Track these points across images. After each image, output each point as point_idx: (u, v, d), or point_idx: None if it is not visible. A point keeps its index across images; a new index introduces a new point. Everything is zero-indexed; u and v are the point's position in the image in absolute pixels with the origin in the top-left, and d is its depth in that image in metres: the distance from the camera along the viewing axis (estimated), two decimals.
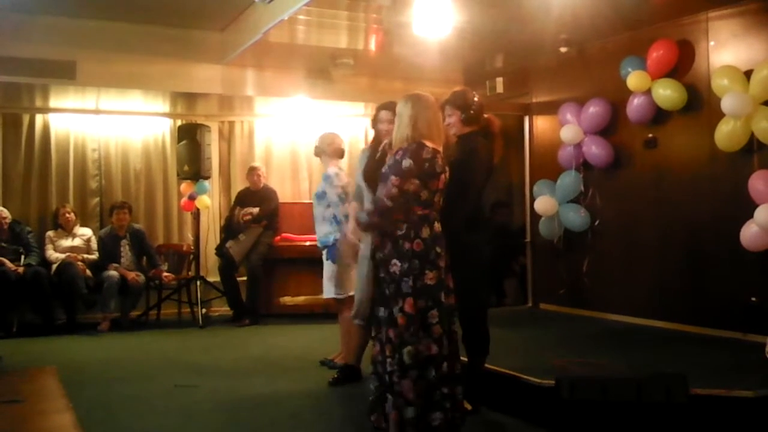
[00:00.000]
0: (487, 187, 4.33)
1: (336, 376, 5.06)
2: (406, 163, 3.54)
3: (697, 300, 5.79)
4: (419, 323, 3.54)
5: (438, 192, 3.66)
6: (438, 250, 3.62)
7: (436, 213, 3.67)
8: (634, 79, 5.96)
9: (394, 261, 3.57)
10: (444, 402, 3.55)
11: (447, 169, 3.70)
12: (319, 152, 5.53)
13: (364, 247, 4.72)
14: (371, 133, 8.61)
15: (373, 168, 4.62)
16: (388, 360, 3.57)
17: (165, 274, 7.87)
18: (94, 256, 7.69)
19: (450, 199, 3.77)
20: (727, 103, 5.13)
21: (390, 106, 4.80)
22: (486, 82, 7.71)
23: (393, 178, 3.55)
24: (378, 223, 3.69)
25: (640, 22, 6.07)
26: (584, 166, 6.76)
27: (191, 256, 8.28)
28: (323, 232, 5.31)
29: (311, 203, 5.55)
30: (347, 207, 5.18)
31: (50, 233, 7.64)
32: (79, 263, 7.44)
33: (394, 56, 6.81)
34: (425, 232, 3.59)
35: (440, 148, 3.68)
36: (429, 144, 3.61)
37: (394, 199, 3.56)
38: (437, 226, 3.65)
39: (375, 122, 4.92)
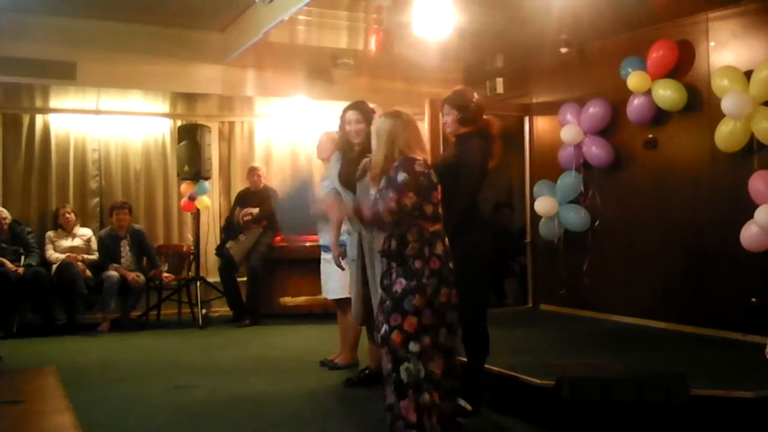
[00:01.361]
0: (487, 188, 4.33)
1: (352, 378, 4.98)
2: (401, 177, 3.40)
3: (697, 300, 5.79)
4: (432, 343, 3.40)
5: (439, 204, 3.54)
6: (451, 265, 3.49)
7: (442, 227, 3.54)
8: (634, 79, 5.96)
9: (400, 280, 3.41)
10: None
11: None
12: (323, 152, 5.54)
13: (351, 250, 4.71)
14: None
15: (348, 170, 4.61)
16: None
17: (165, 274, 7.87)
18: (94, 256, 7.69)
19: (443, 200, 3.75)
20: (727, 104, 5.13)
21: (358, 106, 4.77)
22: (486, 82, 7.71)
23: (391, 194, 3.41)
24: (370, 224, 3.65)
25: (640, 22, 6.07)
26: (584, 167, 6.76)
27: (191, 257, 8.28)
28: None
29: None
30: None
31: (50, 233, 7.64)
32: (79, 263, 7.44)
33: (394, 57, 6.81)
34: (439, 248, 3.45)
35: (429, 160, 3.58)
36: (420, 157, 3.49)
37: (393, 213, 3.41)
38: (446, 240, 3.53)
39: (343, 123, 4.81)
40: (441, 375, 3.42)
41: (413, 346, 3.35)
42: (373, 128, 3.65)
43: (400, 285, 3.40)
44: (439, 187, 3.56)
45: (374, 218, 3.53)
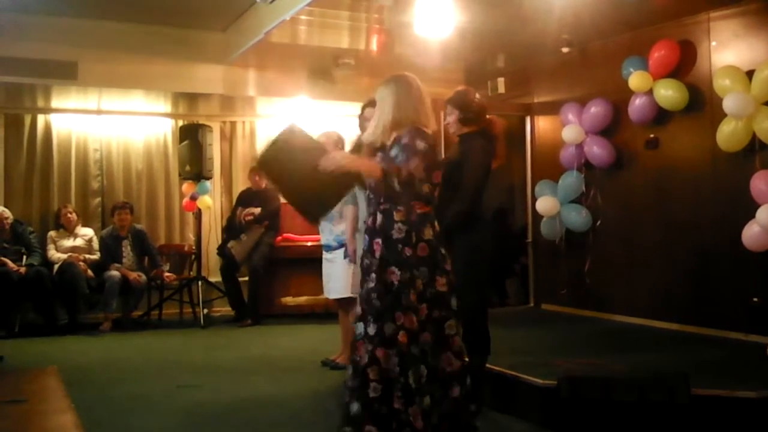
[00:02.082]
0: (489, 188, 4.33)
1: None
2: (422, 145, 3.14)
3: (699, 300, 5.79)
4: (435, 337, 3.18)
5: (438, 186, 3.32)
6: (443, 251, 3.23)
7: (434, 210, 3.32)
8: (636, 79, 5.96)
9: (392, 269, 3.16)
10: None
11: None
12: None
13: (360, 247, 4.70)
14: None
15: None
16: (372, 385, 3.15)
17: (166, 274, 7.87)
18: (96, 256, 7.69)
19: (442, 199, 3.73)
20: (728, 104, 5.13)
21: (374, 104, 4.76)
22: (488, 82, 7.72)
23: (414, 159, 3.10)
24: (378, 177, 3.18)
25: (641, 22, 6.07)
26: (586, 167, 6.76)
27: (193, 257, 8.28)
28: (340, 229, 5.26)
29: None
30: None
31: (52, 233, 7.65)
32: (81, 263, 7.43)
33: (395, 56, 6.81)
34: (428, 233, 3.19)
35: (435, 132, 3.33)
36: (428, 131, 3.23)
37: (404, 181, 3.11)
38: (437, 224, 3.29)
39: (362, 121, 4.77)
40: (450, 372, 3.22)
41: (414, 348, 3.15)
42: (377, 96, 3.38)
43: (395, 276, 3.16)
44: (441, 169, 3.38)
45: (387, 173, 3.15)
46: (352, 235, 4.94)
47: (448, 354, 3.21)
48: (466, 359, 3.34)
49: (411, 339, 3.15)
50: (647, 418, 3.75)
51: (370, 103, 4.79)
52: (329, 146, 5.47)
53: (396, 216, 3.21)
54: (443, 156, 4.48)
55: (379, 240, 3.22)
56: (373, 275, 3.22)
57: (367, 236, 3.32)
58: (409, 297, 3.15)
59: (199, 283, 7.87)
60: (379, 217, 3.25)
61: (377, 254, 3.22)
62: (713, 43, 5.70)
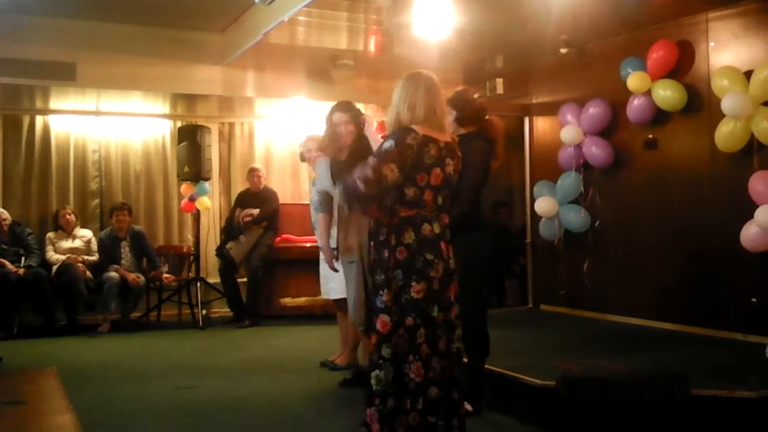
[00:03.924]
0: (487, 189, 4.33)
1: (348, 377, 4.98)
2: (387, 144, 3.07)
3: (698, 301, 5.80)
4: (407, 344, 3.11)
5: (429, 189, 3.16)
6: (428, 257, 3.13)
7: (427, 213, 3.18)
8: (634, 79, 5.97)
9: (378, 270, 3.19)
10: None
11: (449, 163, 3.22)
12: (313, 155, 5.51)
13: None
14: None
15: (344, 171, 4.49)
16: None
17: (165, 275, 7.86)
18: (95, 257, 7.68)
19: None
20: (727, 104, 5.14)
21: (345, 108, 4.62)
22: (486, 82, 7.72)
23: (371, 159, 3.08)
24: (345, 196, 3.19)
25: (639, 22, 6.08)
26: (584, 167, 6.77)
27: (191, 258, 8.27)
28: None
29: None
30: None
31: (50, 235, 7.64)
32: (80, 265, 7.42)
33: (394, 57, 6.82)
34: (409, 237, 3.12)
35: (438, 136, 3.17)
36: (419, 130, 3.11)
37: (369, 183, 3.01)
38: (427, 228, 3.16)
39: (331, 124, 4.59)
40: (421, 382, 3.11)
41: (385, 350, 3.09)
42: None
43: (377, 278, 3.18)
44: (437, 170, 3.17)
45: (349, 196, 3.15)
46: (327, 241, 4.86)
47: (419, 364, 3.11)
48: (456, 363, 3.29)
49: (380, 341, 3.12)
50: (646, 418, 3.75)
51: (340, 108, 4.63)
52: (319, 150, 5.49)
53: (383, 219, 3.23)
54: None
55: (373, 243, 3.27)
56: (371, 277, 3.30)
57: (368, 239, 3.38)
58: (382, 298, 3.13)
59: (198, 284, 7.86)
60: (373, 221, 3.29)
61: (372, 256, 3.28)
62: (711, 44, 5.71)
